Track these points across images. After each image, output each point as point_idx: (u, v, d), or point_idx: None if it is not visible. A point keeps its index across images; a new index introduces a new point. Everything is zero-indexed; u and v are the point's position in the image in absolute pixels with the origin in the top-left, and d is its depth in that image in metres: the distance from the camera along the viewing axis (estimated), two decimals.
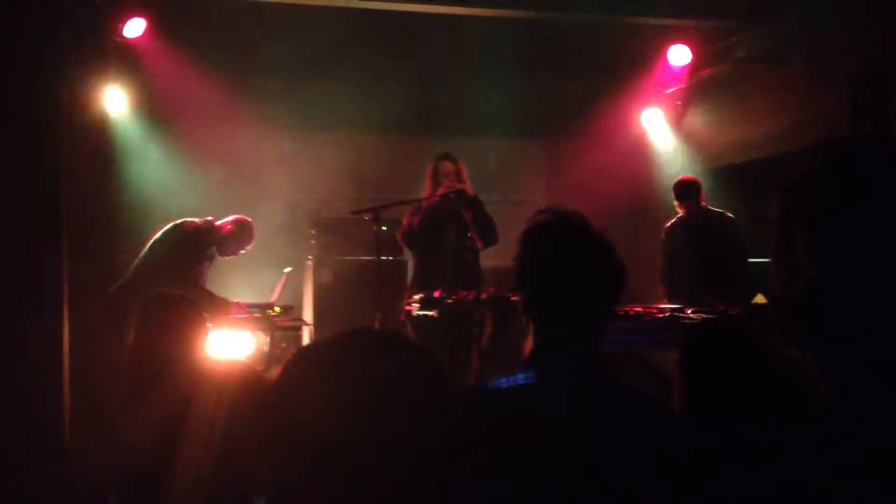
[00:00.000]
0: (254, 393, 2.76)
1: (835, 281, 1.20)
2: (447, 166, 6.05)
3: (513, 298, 5.66)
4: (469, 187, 6.03)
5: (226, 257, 6.46)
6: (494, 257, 5.99)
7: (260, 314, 6.30)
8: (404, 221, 6.24)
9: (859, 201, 1.23)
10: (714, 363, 2.17)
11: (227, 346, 6.00)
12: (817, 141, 1.19)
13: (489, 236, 5.99)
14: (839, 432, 1.13)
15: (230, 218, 6.37)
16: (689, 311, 5.41)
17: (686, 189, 6.62)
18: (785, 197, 1.30)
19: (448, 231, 6.04)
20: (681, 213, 6.73)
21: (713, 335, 2.26)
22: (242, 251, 6.44)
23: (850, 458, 1.11)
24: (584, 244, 2.04)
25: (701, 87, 7.50)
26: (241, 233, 6.34)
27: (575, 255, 2.02)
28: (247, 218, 6.42)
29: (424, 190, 6.14)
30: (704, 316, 5.27)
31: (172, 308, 3.26)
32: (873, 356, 1.21)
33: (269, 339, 6.33)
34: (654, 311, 5.51)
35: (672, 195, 6.70)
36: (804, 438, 1.27)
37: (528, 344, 2.08)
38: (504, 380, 2.13)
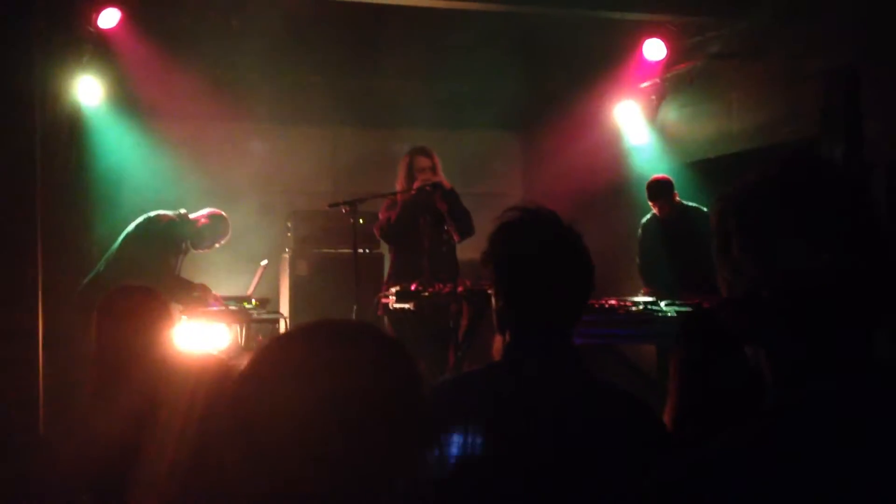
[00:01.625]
0: (227, 386, 2.73)
1: (773, 279, 1.22)
2: (422, 161, 6.06)
3: (489, 291, 5.70)
4: (445, 180, 6.05)
5: (200, 251, 6.43)
6: (471, 250, 6.01)
7: (236, 307, 6.29)
8: (381, 216, 6.24)
9: (791, 206, 1.26)
10: (709, 354, 2.19)
11: (203, 339, 5.98)
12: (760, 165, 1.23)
13: (465, 229, 6.01)
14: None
15: (204, 211, 6.34)
16: (663, 305, 5.45)
17: (656, 188, 6.71)
18: (722, 201, 1.34)
19: (424, 224, 6.05)
20: (654, 210, 6.81)
21: (709, 325, 2.28)
22: (217, 245, 6.42)
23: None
24: (554, 240, 2.06)
25: (675, 82, 7.54)
26: (215, 226, 6.31)
27: (544, 251, 2.05)
28: (221, 212, 6.39)
29: (398, 184, 6.14)
30: (679, 309, 5.32)
31: (135, 299, 3.17)
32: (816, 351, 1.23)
33: (244, 331, 6.33)
34: (629, 304, 5.55)
35: (645, 193, 6.77)
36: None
37: (497, 341, 2.11)
38: (477, 370, 2.15)
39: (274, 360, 1.27)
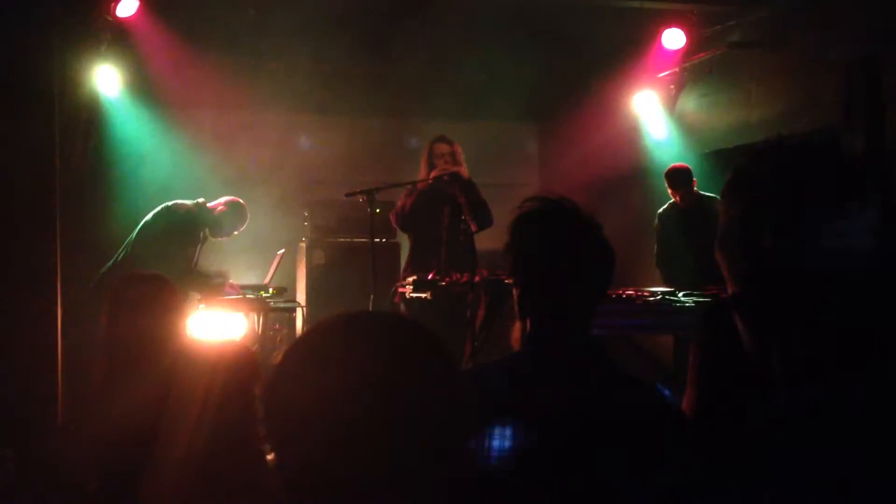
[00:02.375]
0: (248, 373, 2.73)
1: (803, 272, 1.19)
2: (442, 148, 6.05)
3: (506, 281, 5.68)
4: (464, 170, 6.03)
5: (218, 239, 6.45)
6: (488, 240, 6.00)
7: (253, 295, 6.31)
8: (398, 204, 6.24)
9: (824, 197, 1.23)
10: (729, 344, 2.18)
11: (220, 327, 6.01)
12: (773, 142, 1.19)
13: (483, 219, 5.99)
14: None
15: (222, 199, 6.36)
16: (680, 295, 5.43)
17: (678, 177, 6.67)
18: (750, 188, 1.29)
19: (442, 214, 6.04)
20: (674, 199, 6.78)
21: (727, 314, 2.27)
22: (235, 232, 6.43)
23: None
24: (573, 229, 2.05)
25: (695, 72, 7.49)
26: (234, 214, 6.32)
27: (564, 241, 2.05)
28: (238, 199, 6.40)
29: (420, 173, 6.13)
30: (696, 299, 5.29)
31: (146, 287, 3.15)
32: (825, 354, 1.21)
33: (261, 320, 6.34)
34: (646, 294, 5.53)
35: (664, 181, 6.74)
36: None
37: (516, 330, 2.11)
38: (499, 361, 2.15)
39: (306, 357, 1.26)
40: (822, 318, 1.19)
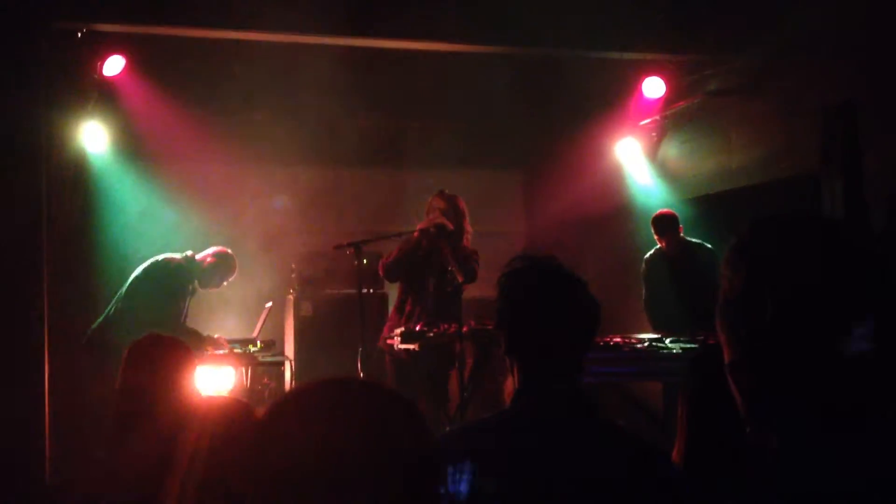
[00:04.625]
0: (243, 427, 2.76)
1: (802, 348, 1.23)
2: (436, 202, 6.08)
3: (494, 331, 5.69)
4: (448, 223, 6.00)
5: (208, 290, 6.46)
6: (475, 289, 6.03)
7: (241, 349, 6.30)
8: (386, 255, 6.25)
9: (824, 276, 1.27)
10: (718, 393, 2.20)
11: (209, 382, 5.99)
12: (775, 217, 1.22)
13: (468, 273, 5.96)
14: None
15: (210, 251, 6.38)
16: (667, 342, 5.45)
17: (663, 223, 6.72)
18: (751, 263, 1.32)
19: (429, 265, 6.05)
20: (660, 245, 6.82)
21: (716, 363, 2.29)
22: (225, 283, 6.45)
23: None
24: (558, 286, 2.14)
25: (675, 119, 7.60)
26: (223, 265, 6.35)
27: (550, 298, 2.13)
28: (227, 250, 6.43)
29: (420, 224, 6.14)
30: (684, 346, 5.32)
31: (165, 347, 3.31)
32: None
33: (249, 373, 6.33)
34: (634, 341, 5.55)
35: (651, 227, 6.79)
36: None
37: (509, 385, 2.16)
38: (487, 419, 2.19)
39: (293, 415, 1.33)
40: (816, 394, 1.23)
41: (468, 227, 6.13)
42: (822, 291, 1.24)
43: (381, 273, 6.32)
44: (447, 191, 6.19)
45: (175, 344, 3.35)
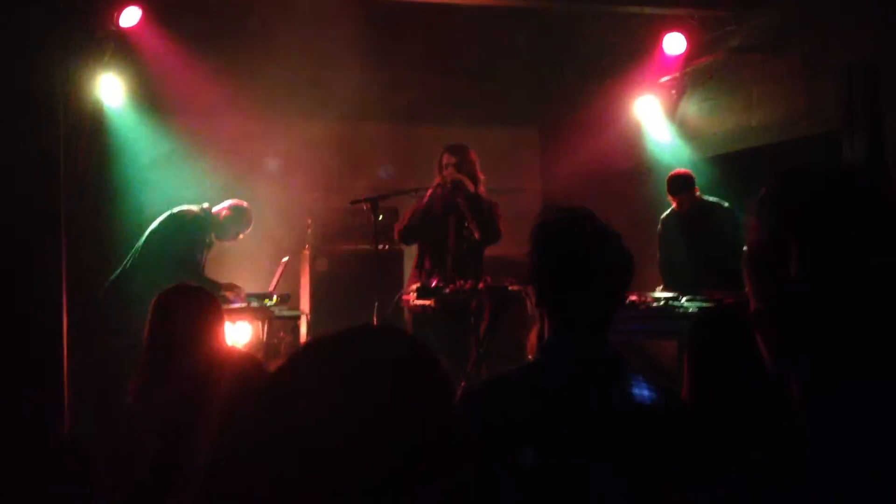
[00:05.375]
0: (256, 383, 2.78)
1: (826, 299, 1.23)
2: (446, 158, 6.04)
3: (511, 288, 5.71)
4: (467, 180, 5.97)
5: (225, 242, 6.49)
6: (494, 247, 6.02)
7: (257, 304, 6.33)
8: (401, 219, 6.24)
9: (851, 228, 1.26)
10: (722, 350, 2.20)
11: (226, 336, 6.02)
12: (800, 167, 1.22)
13: (488, 232, 5.94)
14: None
15: (226, 203, 6.41)
16: (683, 300, 5.44)
17: (677, 183, 6.67)
18: (778, 213, 1.32)
19: (446, 223, 6.04)
20: (673, 205, 6.78)
21: (721, 322, 2.28)
22: (241, 235, 6.47)
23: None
24: (591, 238, 2.09)
25: (696, 76, 7.52)
26: (239, 217, 6.37)
27: (584, 250, 2.09)
28: (243, 202, 6.45)
29: (435, 180, 6.12)
30: (700, 305, 5.31)
31: (193, 298, 3.29)
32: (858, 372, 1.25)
33: (265, 327, 6.37)
34: (650, 300, 5.54)
35: (665, 187, 6.75)
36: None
37: (533, 337, 2.13)
38: (513, 373, 2.17)
39: (308, 366, 1.29)
40: (842, 339, 1.23)
41: (481, 175, 6.11)
42: (849, 243, 1.23)
43: (396, 237, 6.31)
44: (455, 143, 6.16)
45: (204, 294, 3.34)
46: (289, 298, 6.76)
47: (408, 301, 5.78)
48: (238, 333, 6.17)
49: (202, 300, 3.30)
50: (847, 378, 1.22)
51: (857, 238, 1.23)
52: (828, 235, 1.24)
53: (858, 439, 1.17)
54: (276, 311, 6.47)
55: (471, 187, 5.94)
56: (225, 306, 6.06)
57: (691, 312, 5.28)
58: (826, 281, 1.23)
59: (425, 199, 6.05)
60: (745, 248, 1.36)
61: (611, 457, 1.96)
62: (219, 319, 3.32)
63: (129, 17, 6.46)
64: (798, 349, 1.26)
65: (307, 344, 1.39)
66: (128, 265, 5.99)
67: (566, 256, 2.09)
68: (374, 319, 5.54)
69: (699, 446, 1.98)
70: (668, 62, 7.46)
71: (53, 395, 5.44)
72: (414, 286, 5.67)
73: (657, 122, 7.93)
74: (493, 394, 2.11)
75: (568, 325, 2.08)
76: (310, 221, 7.91)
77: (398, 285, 6.24)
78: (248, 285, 6.73)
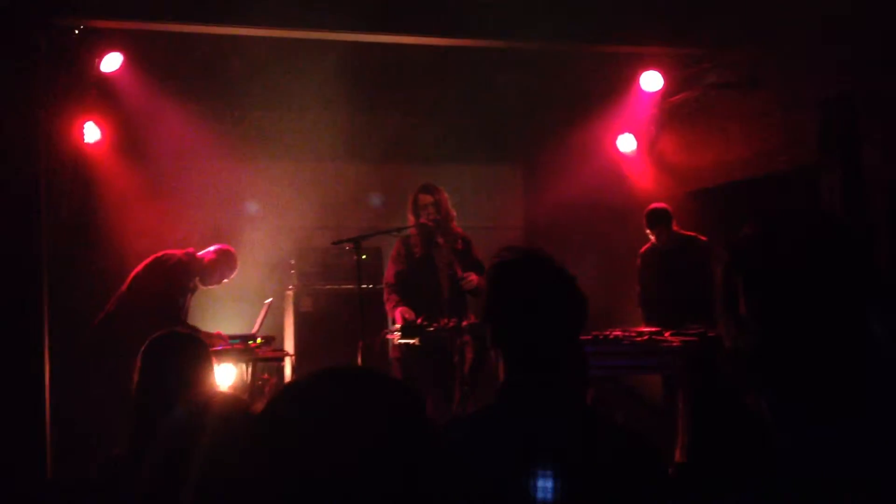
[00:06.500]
0: (240, 425, 2.76)
1: (777, 336, 1.27)
2: (425, 199, 6.08)
3: (480, 323, 5.71)
4: (454, 224, 6.05)
5: (209, 287, 6.46)
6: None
7: (241, 345, 6.30)
8: (387, 273, 6.24)
9: (794, 265, 1.31)
10: (718, 383, 2.22)
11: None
12: (755, 213, 1.28)
13: (482, 272, 5.95)
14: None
15: (212, 248, 6.38)
16: (668, 335, 5.46)
17: (655, 216, 6.73)
18: (728, 258, 1.38)
19: (430, 264, 6.06)
20: (651, 239, 6.83)
21: (715, 354, 2.32)
22: (226, 280, 6.45)
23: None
24: (545, 278, 2.12)
25: (673, 113, 7.60)
26: (224, 261, 6.35)
27: (536, 290, 2.11)
28: (229, 247, 6.44)
29: (408, 222, 6.15)
30: (683, 339, 5.33)
31: (183, 343, 3.27)
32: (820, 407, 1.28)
33: (250, 369, 6.34)
34: (633, 335, 5.55)
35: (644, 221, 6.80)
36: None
37: (501, 375, 2.15)
38: (473, 414, 2.18)
39: (291, 406, 1.30)
40: (796, 375, 1.26)
41: (453, 213, 6.16)
42: (788, 283, 1.28)
43: (386, 295, 6.26)
44: (427, 183, 6.21)
45: (192, 340, 3.32)
46: (273, 340, 6.74)
47: (392, 339, 5.77)
48: (222, 375, 6.13)
49: (196, 346, 3.29)
50: (808, 416, 1.25)
51: (796, 277, 1.27)
52: (765, 277, 1.29)
53: (821, 471, 1.20)
54: (261, 353, 6.45)
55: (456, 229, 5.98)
56: (211, 347, 6.06)
57: (675, 347, 5.29)
58: (770, 320, 1.27)
59: (402, 247, 6.08)
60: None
61: (572, 495, 1.95)
62: (210, 366, 3.31)
63: (111, 62, 6.50)
64: (761, 383, 1.30)
65: (287, 385, 1.40)
66: (111, 309, 5.96)
67: (518, 296, 2.12)
68: (359, 359, 5.53)
69: (650, 487, 1.98)
70: (647, 99, 7.56)
71: (36, 440, 5.39)
72: (397, 325, 5.66)
73: (637, 157, 8.00)
74: (450, 435, 2.11)
75: (520, 364, 2.10)
76: (293, 262, 7.92)
77: (382, 324, 6.23)
78: (232, 327, 6.71)
